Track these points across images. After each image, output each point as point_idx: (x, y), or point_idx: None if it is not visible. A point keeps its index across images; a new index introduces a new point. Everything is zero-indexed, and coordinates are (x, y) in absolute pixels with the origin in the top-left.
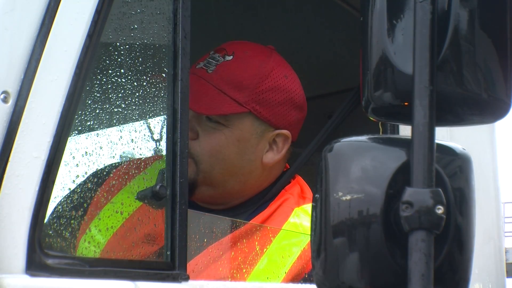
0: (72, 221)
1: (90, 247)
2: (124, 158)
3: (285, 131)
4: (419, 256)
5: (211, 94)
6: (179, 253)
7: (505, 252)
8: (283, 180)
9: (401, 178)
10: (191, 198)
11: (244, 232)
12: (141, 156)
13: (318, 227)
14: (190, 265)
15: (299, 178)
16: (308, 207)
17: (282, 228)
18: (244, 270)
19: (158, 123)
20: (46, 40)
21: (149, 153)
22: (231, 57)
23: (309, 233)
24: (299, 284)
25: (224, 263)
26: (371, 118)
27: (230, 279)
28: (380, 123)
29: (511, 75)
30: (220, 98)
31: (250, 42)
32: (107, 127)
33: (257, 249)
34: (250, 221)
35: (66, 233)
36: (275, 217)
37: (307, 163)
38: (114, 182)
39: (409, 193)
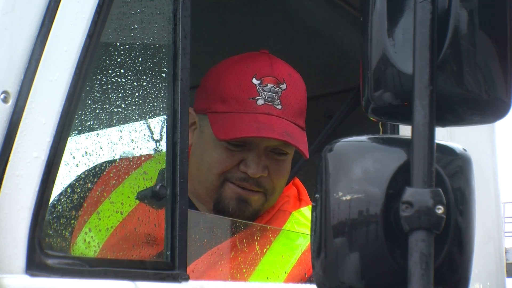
0: (72, 221)
1: (90, 247)
2: (124, 158)
3: None
4: (419, 256)
5: (294, 131)
6: (179, 253)
7: (505, 252)
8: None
9: (401, 178)
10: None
11: (245, 233)
12: (141, 156)
13: (318, 227)
14: (190, 265)
15: (295, 179)
16: (305, 210)
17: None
18: (244, 271)
19: (158, 123)
20: (46, 40)
21: (149, 153)
22: (285, 85)
23: (308, 236)
24: (299, 284)
25: (224, 263)
26: (371, 118)
27: (230, 279)
28: (380, 123)
29: (511, 75)
30: (301, 132)
31: (274, 56)
32: (107, 127)
33: (257, 249)
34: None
35: (66, 233)
36: (273, 221)
37: (306, 162)
38: (114, 182)
39: (409, 193)
